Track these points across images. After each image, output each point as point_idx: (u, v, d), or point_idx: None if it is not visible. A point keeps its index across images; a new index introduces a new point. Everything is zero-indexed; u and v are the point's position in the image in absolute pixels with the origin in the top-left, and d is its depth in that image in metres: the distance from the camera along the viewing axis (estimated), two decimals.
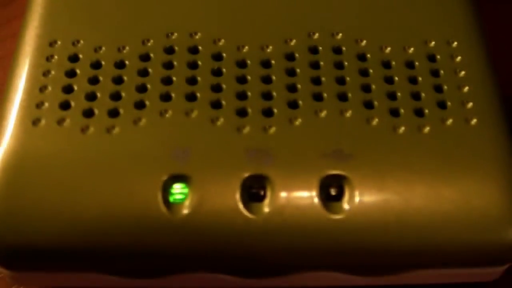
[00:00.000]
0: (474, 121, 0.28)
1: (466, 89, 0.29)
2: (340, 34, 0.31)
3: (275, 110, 0.28)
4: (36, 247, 0.27)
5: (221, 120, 0.28)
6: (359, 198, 0.27)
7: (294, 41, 0.30)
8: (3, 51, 0.37)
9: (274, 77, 0.29)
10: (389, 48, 0.30)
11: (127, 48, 0.30)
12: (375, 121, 0.28)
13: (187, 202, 0.27)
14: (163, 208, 0.26)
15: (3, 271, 0.28)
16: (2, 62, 0.36)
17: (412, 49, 0.30)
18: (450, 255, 0.27)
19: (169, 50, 0.30)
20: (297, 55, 0.30)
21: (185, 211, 0.27)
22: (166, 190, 0.27)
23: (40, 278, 0.29)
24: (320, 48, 0.30)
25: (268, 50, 0.30)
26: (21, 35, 0.31)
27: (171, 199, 0.27)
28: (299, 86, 0.29)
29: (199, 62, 0.30)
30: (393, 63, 0.30)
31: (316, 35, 0.31)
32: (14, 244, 0.27)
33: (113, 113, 0.28)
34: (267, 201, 0.27)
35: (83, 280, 0.28)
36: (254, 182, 0.27)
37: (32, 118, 0.28)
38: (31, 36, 0.31)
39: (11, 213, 0.27)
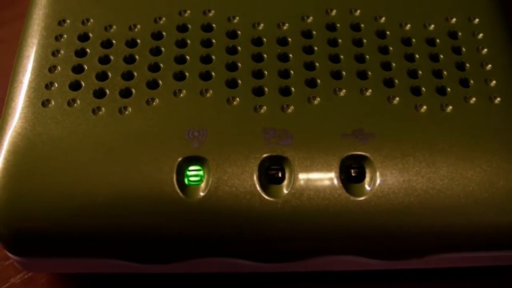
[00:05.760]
0: (498, 99, 0.28)
1: (489, 67, 0.29)
2: (358, 11, 0.30)
3: (293, 89, 0.28)
4: (46, 232, 0.26)
5: (237, 99, 0.28)
6: (380, 179, 0.26)
7: (311, 18, 0.30)
8: (11, 32, 0.37)
9: (291, 55, 0.29)
10: (409, 25, 0.30)
11: (138, 26, 0.30)
12: (396, 100, 0.28)
13: (202, 185, 0.26)
14: (178, 191, 0.26)
15: (13, 257, 0.27)
16: (10, 44, 0.35)
17: (432, 26, 0.30)
18: (474, 238, 0.27)
19: (183, 28, 0.30)
20: (314, 32, 0.29)
21: (201, 193, 0.26)
22: (181, 172, 0.26)
23: (49, 264, 0.28)
24: (338, 25, 0.30)
25: (285, 28, 0.30)
26: (29, 14, 0.31)
27: (186, 181, 0.26)
28: (317, 64, 0.29)
29: (213, 40, 0.29)
30: (414, 40, 0.29)
31: (334, 12, 0.30)
32: (23, 229, 0.26)
33: (125, 93, 0.28)
34: (285, 183, 0.26)
35: (94, 266, 0.28)
36: (272, 163, 0.27)
37: (41, 99, 0.28)
38: (39, 15, 0.30)
39: (20, 197, 0.26)
